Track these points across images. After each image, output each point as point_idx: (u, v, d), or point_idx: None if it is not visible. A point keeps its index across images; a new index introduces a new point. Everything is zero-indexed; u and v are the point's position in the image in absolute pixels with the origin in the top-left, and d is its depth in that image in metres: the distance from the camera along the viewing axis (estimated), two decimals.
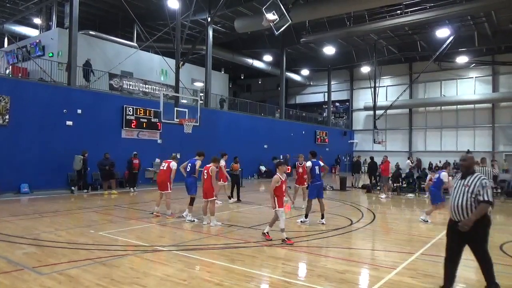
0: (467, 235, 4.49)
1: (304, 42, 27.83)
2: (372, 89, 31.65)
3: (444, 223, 11.09)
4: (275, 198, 7.50)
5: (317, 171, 9.87)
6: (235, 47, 31.37)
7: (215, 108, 25.44)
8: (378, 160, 20.06)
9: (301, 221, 9.72)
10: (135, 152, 16.85)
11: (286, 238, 7.35)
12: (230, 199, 13.57)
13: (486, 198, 4.46)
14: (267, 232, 7.69)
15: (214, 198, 9.13)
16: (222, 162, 13.16)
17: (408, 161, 29.92)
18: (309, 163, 10.02)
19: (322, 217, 9.63)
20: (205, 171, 9.22)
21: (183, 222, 9.52)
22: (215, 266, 5.88)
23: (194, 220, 9.55)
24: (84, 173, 15.65)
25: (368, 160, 21.93)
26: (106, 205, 12.45)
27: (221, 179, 12.95)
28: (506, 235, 8.97)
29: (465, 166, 4.79)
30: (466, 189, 4.58)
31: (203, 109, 19.80)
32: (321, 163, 10.16)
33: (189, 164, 10.03)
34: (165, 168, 10.33)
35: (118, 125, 18.29)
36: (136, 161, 16.64)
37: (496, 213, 11.90)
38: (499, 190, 16.32)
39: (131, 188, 16.61)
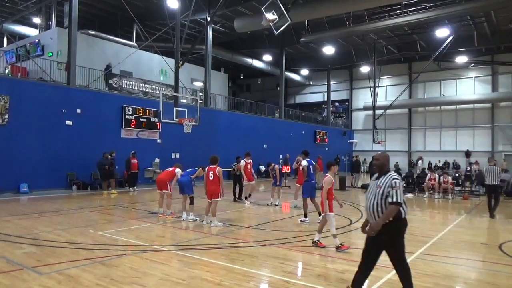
0: (378, 239, 4.18)
1: (304, 41, 27.81)
2: (372, 89, 31.65)
3: (444, 222, 11.14)
4: (327, 201, 7.13)
5: (311, 170, 10.03)
6: (235, 47, 31.34)
7: (215, 108, 25.43)
8: None
9: (301, 220, 9.77)
10: (133, 152, 16.81)
11: (341, 244, 6.88)
12: (246, 199, 13.58)
13: (394, 200, 4.09)
14: (319, 240, 7.15)
15: (219, 199, 9.13)
16: (242, 162, 13.31)
17: (421, 161, 29.69)
18: (304, 162, 10.16)
19: (320, 215, 9.66)
20: (211, 172, 9.09)
21: (183, 222, 9.52)
22: (214, 266, 5.87)
23: (196, 219, 9.58)
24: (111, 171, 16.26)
25: (369, 160, 21.94)
26: (105, 205, 12.44)
27: (247, 179, 13.25)
28: (505, 235, 9.00)
29: (378, 166, 4.41)
30: (378, 190, 4.22)
31: (202, 108, 19.79)
32: (314, 163, 10.30)
33: (190, 169, 10.24)
34: (169, 170, 10.48)
35: (117, 125, 18.27)
36: (134, 161, 16.59)
37: (496, 213, 11.92)
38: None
39: (131, 188, 16.60)
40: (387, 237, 4.18)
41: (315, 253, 6.78)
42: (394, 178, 4.18)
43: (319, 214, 9.66)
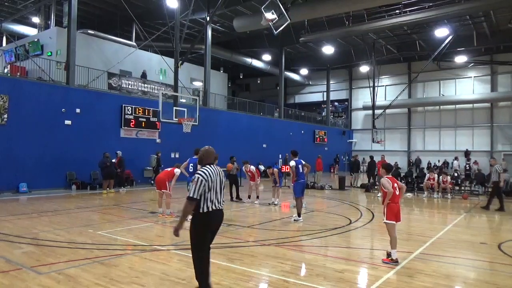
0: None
1: (303, 41, 27.80)
2: (371, 88, 31.66)
3: (444, 222, 11.14)
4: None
5: (301, 170, 10.09)
6: (234, 47, 31.33)
7: (214, 108, 25.42)
8: (378, 159, 20.07)
9: (294, 219, 9.87)
10: (116, 151, 16.41)
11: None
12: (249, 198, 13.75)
13: (188, 194, 4.07)
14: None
15: None
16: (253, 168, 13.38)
17: (457, 161, 29.27)
18: (292, 162, 10.24)
19: (299, 215, 9.90)
20: None
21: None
22: (214, 266, 5.84)
23: None
24: (157, 170, 17.39)
25: (368, 160, 21.95)
26: (105, 205, 12.43)
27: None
28: (505, 235, 9.01)
29: (198, 159, 4.49)
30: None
31: (202, 108, 19.77)
32: (303, 162, 10.33)
33: (191, 164, 9.97)
34: (169, 170, 10.42)
35: (117, 125, 18.26)
36: (114, 161, 15.94)
37: (495, 213, 11.94)
38: None
39: (120, 188, 16.28)
40: (190, 227, 4.24)
41: (314, 253, 6.78)
42: (197, 173, 4.16)
43: (299, 215, 9.81)
